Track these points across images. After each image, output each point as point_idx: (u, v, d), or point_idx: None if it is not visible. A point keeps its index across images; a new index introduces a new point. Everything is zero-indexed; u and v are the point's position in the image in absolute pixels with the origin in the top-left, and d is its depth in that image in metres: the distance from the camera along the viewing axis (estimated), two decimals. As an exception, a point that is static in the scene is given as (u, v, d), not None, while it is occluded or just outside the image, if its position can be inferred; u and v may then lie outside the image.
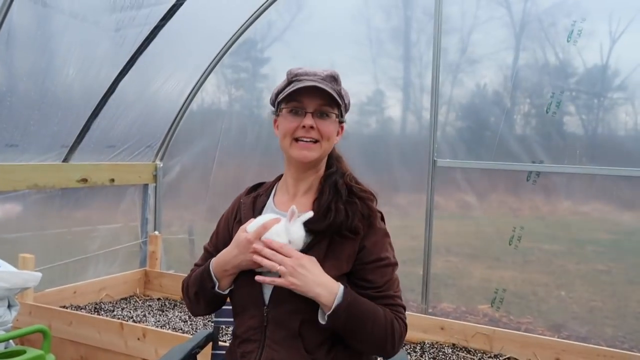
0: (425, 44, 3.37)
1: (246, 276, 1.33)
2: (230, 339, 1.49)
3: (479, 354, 2.85)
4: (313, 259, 1.27)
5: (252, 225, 1.31)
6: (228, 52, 3.88)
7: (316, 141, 1.34)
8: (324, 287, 1.24)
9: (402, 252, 3.35)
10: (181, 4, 3.23)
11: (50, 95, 3.10)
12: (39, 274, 2.53)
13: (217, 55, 3.86)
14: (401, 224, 3.48)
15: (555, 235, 3.15)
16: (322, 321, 1.26)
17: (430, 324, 3.05)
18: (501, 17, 3.25)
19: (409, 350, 2.91)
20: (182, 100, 3.97)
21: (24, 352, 2.15)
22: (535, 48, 3.15)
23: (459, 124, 3.48)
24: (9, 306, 2.45)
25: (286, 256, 1.24)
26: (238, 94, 4.19)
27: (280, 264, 1.23)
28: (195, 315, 1.50)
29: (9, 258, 2.56)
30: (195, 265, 1.53)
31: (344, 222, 1.30)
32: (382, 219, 1.41)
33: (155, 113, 3.89)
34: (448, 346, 2.95)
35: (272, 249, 1.25)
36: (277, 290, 1.29)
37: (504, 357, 2.81)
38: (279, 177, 1.49)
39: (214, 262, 1.37)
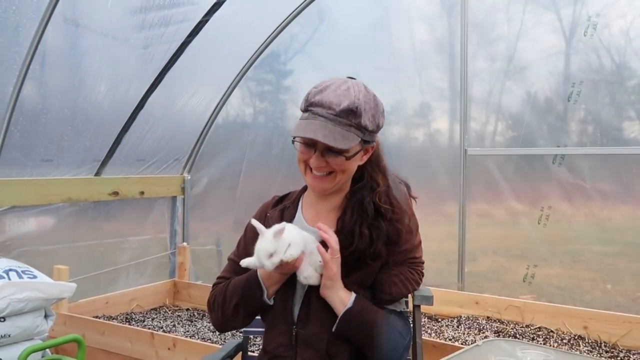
0: (471, 53, 3.31)
1: (277, 293, 1.34)
2: (258, 349, 1.50)
3: (511, 325, 2.97)
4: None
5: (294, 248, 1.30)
6: (252, 66, 3.95)
7: (330, 172, 1.29)
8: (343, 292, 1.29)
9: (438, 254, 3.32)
10: (207, 21, 3.31)
11: (83, 112, 3.21)
12: (74, 285, 2.60)
13: (242, 69, 3.93)
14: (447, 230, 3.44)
15: (609, 238, 3.11)
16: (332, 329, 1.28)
17: (465, 300, 3.21)
18: (550, 21, 3.13)
19: (446, 324, 3.04)
20: (208, 114, 4.05)
21: (60, 361, 2.21)
22: (588, 52, 3.02)
23: (510, 134, 3.39)
24: (46, 316, 2.52)
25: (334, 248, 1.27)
26: (262, 106, 4.25)
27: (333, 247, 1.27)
28: (224, 331, 1.47)
29: (44, 269, 2.64)
30: (221, 278, 1.48)
31: (367, 249, 1.29)
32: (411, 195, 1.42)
33: (182, 127, 3.99)
34: (482, 318, 3.11)
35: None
36: (305, 308, 1.31)
37: (535, 327, 2.90)
38: (306, 187, 1.45)
39: (261, 272, 1.34)
